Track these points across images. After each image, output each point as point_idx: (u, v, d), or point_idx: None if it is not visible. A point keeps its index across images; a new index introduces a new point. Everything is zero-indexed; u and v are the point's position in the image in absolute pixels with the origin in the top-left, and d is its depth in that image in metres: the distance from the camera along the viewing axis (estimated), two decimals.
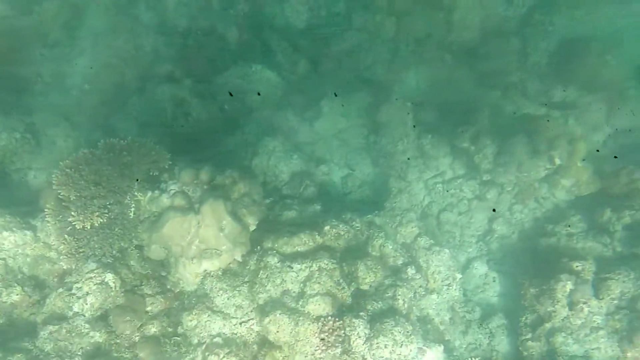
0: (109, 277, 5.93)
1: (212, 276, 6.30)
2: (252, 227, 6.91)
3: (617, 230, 7.54)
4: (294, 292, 6.11)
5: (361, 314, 5.85)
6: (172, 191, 6.19)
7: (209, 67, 9.06)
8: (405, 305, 6.26)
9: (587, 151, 7.90)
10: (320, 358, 5.65)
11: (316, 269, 6.16)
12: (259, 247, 6.58)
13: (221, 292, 6.23)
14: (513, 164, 7.90)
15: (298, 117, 9.73)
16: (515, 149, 7.81)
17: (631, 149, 9.32)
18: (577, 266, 6.93)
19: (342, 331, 5.72)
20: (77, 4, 9.16)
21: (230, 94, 8.23)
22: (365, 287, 6.36)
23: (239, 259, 6.34)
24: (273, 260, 6.26)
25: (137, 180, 6.07)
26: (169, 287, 6.35)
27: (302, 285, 6.11)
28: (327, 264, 6.20)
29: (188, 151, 7.58)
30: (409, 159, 8.91)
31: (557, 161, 7.91)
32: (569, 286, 6.76)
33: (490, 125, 8.48)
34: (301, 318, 5.81)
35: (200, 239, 6.05)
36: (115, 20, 9.17)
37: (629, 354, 6.49)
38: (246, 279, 6.35)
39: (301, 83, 10.08)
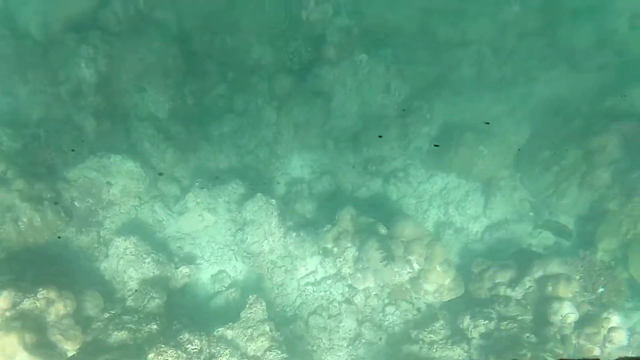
0: None
1: None
2: (71, 353, 6.19)
3: (475, 338, 7.22)
4: None
5: None
6: None
7: (62, 160, 8.39)
8: None
9: (444, 256, 7.61)
10: None
11: None
12: None
13: None
14: (369, 271, 7.50)
15: (166, 210, 9.12)
16: (370, 255, 7.44)
17: (504, 242, 9.21)
18: None
19: None
20: None
21: None
22: None
23: None
24: None
25: None
26: None
27: None
28: None
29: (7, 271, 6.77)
30: (276, 259, 8.42)
31: (416, 266, 7.58)
32: None
33: (356, 224, 8.12)
34: None
35: None
36: None
37: None
38: None
39: (172, 172, 9.53)
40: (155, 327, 6.88)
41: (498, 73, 11.11)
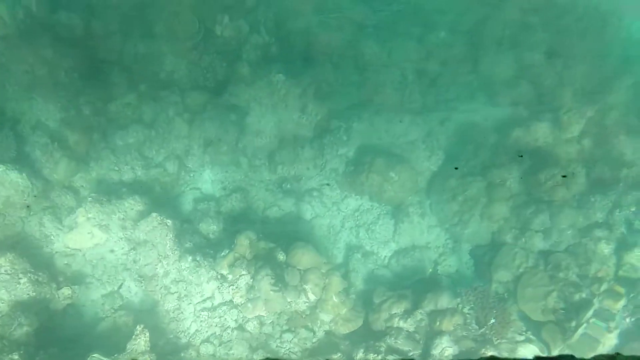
0: None
1: None
2: None
3: None
4: None
5: None
6: None
7: None
8: None
9: (341, 286, 7.48)
10: None
11: None
12: None
13: None
14: (260, 301, 7.25)
15: (55, 224, 8.47)
16: (262, 285, 7.18)
17: (410, 269, 9.24)
18: None
19: None
20: None
21: None
22: None
23: None
24: None
25: None
26: None
27: None
28: None
29: None
30: (170, 283, 7.99)
31: (312, 296, 7.40)
32: None
33: (255, 249, 7.84)
34: None
35: None
36: None
37: None
38: None
39: (69, 182, 8.88)
40: (16, 357, 6.29)
41: (420, 98, 11.20)
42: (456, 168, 9.59)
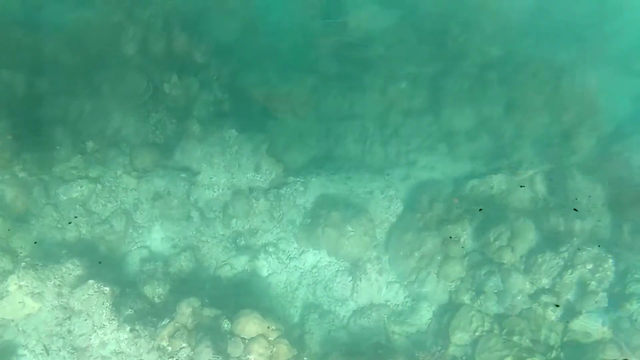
0: None
1: None
2: None
3: None
4: None
5: None
6: None
7: None
8: None
9: (289, 355, 7.05)
10: None
11: None
12: None
13: None
14: None
15: None
16: (201, 358, 6.71)
17: (368, 330, 8.87)
18: None
19: None
20: None
21: None
22: None
23: None
24: None
25: None
26: None
27: None
28: None
29: None
30: (109, 354, 7.43)
31: None
32: None
33: (198, 318, 7.39)
34: None
35: None
36: None
37: None
38: None
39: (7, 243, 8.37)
40: None
41: (381, 150, 11.12)
42: (418, 215, 9.42)
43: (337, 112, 11.44)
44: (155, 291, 8.36)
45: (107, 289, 7.48)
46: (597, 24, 13.75)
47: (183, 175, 9.28)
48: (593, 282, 7.43)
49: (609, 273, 7.24)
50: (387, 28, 12.65)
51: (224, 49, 10.55)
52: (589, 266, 7.63)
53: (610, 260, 7.29)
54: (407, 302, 9.02)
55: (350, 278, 9.31)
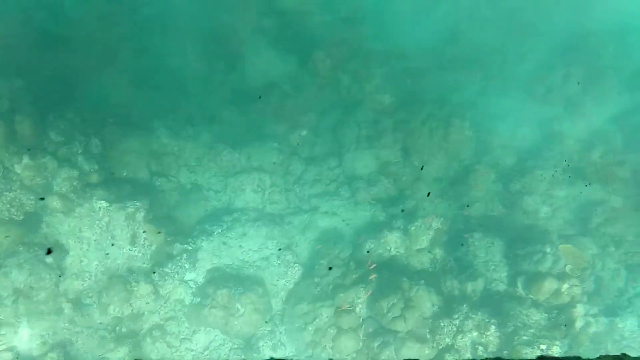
0: None
1: None
2: None
3: None
4: None
5: None
6: None
7: None
8: None
9: None
10: None
11: None
12: None
13: None
14: None
15: None
16: None
17: None
18: None
19: None
20: None
21: None
22: None
23: None
24: None
25: None
26: None
27: None
28: None
29: None
30: None
31: None
32: None
33: None
34: None
35: None
36: None
37: None
38: None
39: None
40: None
41: (281, 198, 10.51)
42: (330, 268, 8.79)
43: (234, 166, 10.76)
44: None
45: None
46: (502, 49, 13.83)
47: (49, 260, 8.26)
48: (480, 347, 6.98)
49: (491, 339, 6.81)
50: (286, 74, 12.19)
51: (98, 115, 9.68)
52: (475, 333, 7.21)
53: (493, 327, 6.87)
54: None
55: (244, 357, 8.50)
